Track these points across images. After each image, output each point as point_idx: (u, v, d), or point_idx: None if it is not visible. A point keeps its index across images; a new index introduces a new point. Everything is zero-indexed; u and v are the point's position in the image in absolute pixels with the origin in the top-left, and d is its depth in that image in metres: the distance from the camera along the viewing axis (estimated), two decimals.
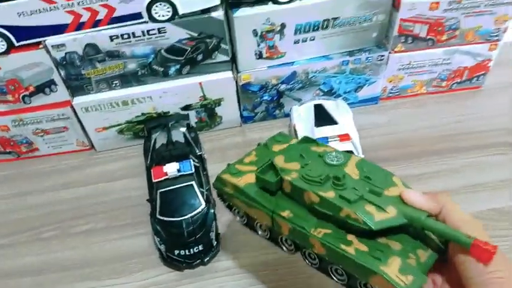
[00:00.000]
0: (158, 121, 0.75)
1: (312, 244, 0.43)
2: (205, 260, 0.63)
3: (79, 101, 0.72)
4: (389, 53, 0.74)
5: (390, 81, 0.79)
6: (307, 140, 0.51)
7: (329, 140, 0.66)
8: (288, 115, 0.78)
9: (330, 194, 0.42)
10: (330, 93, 0.78)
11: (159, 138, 0.73)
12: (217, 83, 0.73)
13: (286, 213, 0.45)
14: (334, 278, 0.44)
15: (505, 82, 0.83)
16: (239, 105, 0.77)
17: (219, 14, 0.66)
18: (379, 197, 0.41)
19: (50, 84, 0.71)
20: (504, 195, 0.66)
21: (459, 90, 0.82)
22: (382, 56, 0.73)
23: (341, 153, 0.47)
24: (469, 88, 0.81)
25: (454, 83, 0.80)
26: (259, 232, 0.51)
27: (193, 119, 0.77)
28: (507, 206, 0.64)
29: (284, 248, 0.49)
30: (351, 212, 0.40)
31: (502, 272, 0.35)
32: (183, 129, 0.73)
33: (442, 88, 0.81)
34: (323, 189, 0.42)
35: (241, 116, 0.79)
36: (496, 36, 0.72)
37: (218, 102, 0.76)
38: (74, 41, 0.66)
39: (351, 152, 0.64)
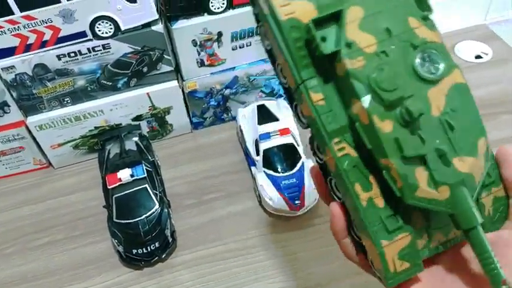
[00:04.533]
0: (111, 133, 0.78)
1: (326, 153, 0.33)
2: (163, 256, 0.66)
3: (33, 120, 0.75)
4: None
5: None
6: None
7: (271, 135, 0.71)
8: (235, 118, 0.83)
9: (387, 126, 0.30)
10: (272, 94, 0.83)
11: (113, 149, 0.76)
12: (164, 92, 0.77)
13: (316, 97, 0.32)
14: (332, 191, 0.36)
15: None
16: (188, 112, 0.82)
17: (158, 27, 0.71)
18: (444, 165, 0.30)
19: (2, 106, 0.74)
20: None
21: None
22: None
23: (443, 56, 0.31)
24: None
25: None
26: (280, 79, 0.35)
27: (145, 129, 0.81)
28: None
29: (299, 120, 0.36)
30: (395, 168, 0.30)
31: None
32: (136, 139, 0.77)
33: None
34: (382, 111, 0.30)
35: (191, 122, 0.84)
36: None
37: (167, 111, 0.80)
38: (22, 63, 0.69)
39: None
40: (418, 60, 0.30)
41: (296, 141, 0.71)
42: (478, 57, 0.93)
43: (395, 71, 0.30)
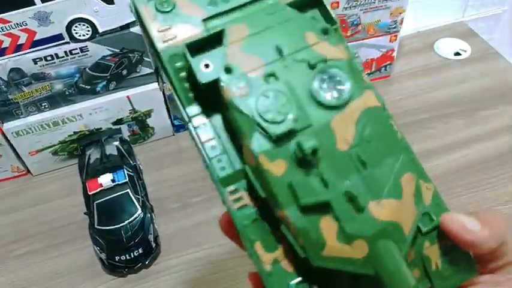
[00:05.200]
0: (91, 138, 0.77)
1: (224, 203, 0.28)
2: (146, 262, 0.65)
3: (9, 126, 0.73)
4: None
5: None
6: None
7: None
8: None
9: (278, 168, 0.24)
10: None
11: (93, 154, 0.75)
12: (145, 95, 0.76)
13: (204, 137, 0.27)
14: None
15: (410, 69, 0.92)
16: (169, 114, 0.81)
17: (137, 29, 0.69)
18: (357, 212, 0.24)
19: None
20: None
21: (371, 81, 0.89)
22: None
23: (349, 76, 0.25)
24: (379, 78, 0.89)
25: (365, 75, 0.87)
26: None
27: (126, 133, 0.80)
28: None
29: None
30: (292, 222, 0.24)
31: None
32: (116, 143, 0.76)
33: None
34: (271, 150, 0.24)
35: (173, 125, 0.83)
36: (394, 28, 0.80)
37: (148, 114, 0.79)
38: None
39: None
40: (316, 83, 0.25)
41: None
42: (457, 54, 0.94)
43: (286, 98, 0.24)
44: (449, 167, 0.73)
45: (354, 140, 0.25)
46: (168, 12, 0.27)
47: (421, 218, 0.27)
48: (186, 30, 0.26)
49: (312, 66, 0.25)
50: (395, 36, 0.81)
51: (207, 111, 0.27)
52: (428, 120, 0.81)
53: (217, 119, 0.27)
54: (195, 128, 0.27)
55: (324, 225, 0.24)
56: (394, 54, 0.84)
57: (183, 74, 0.27)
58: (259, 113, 0.24)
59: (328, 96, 0.25)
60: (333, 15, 0.27)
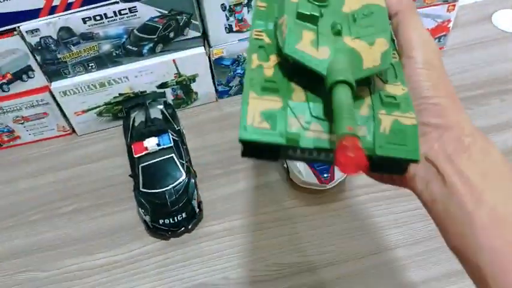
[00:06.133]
0: (136, 100, 0.77)
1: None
2: (189, 227, 0.66)
3: (57, 85, 0.74)
4: None
5: None
6: None
7: None
8: None
9: None
10: None
11: (138, 117, 0.75)
12: (191, 59, 0.75)
13: (261, 4, 0.36)
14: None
15: (465, 42, 0.87)
16: (213, 80, 0.80)
17: None
18: (334, 35, 0.30)
19: (27, 70, 0.72)
20: None
21: None
22: None
23: None
24: None
25: None
26: None
27: (169, 97, 0.79)
28: None
29: None
30: (286, 23, 0.30)
31: (440, 99, 0.31)
32: (161, 107, 0.76)
33: None
34: None
35: (217, 90, 0.81)
36: None
37: (193, 79, 0.78)
38: (47, 25, 0.67)
39: None
40: None
41: None
42: None
43: None
44: (506, 146, 0.70)
45: (356, 11, 0.32)
46: None
47: (385, 94, 0.31)
48: None
49: None
50: (454, 5, 0.77)
51: None
52: (483, 96, 0.78)
53: None
54: None
55: (306, 33, 0.30)
56: (450, 25, 0.80)
57: None
58: None
59: None
60: None
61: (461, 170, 0.29)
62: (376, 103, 0.30)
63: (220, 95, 0.82)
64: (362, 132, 0.29)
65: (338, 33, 0.30)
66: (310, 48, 0.29)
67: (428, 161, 0.31)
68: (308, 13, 0.30)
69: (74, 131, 0.81)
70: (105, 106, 0.78)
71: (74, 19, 0.67)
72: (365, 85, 0.31)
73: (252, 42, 0.33)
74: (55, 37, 0.68)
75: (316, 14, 0.30)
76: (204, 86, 0.80)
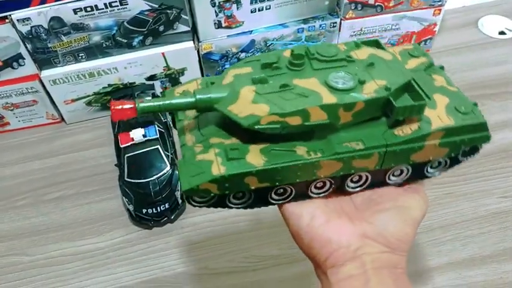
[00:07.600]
0: (124, 92, 0.78)
1: None
2: (172, 217, 0.67)
3: (47, 74, 0.75)
4: (341, 20, 0.78)
5: None
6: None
7: None
8: None
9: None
10: None
11: None
12: (180, 52, 0.76)
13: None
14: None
15: (450, 45, 0.89)
16: (202, 74, 0.81)
17: None
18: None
19: (17, 58, 0.73)
20: None
21: None
22: (335, 23, 0.78)
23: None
24: None
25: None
26: None
27: (158, 89, 0.81)
28: None
29: None
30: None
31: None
32: (149, 99, 0.77)
33: None
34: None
35: None
36: (439, 1, 0.77)
37: (181, 72, 0.79)
38: (39, 15, 0.68)
39: None
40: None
41: None
42: (501, 33, 0.90)
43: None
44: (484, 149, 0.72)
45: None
46: None
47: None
48: None
49: None
50: (439, 10, 0.78)
51: None
52: None
53: None
54: None
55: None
56: (436, 28, 0.82)
57: None
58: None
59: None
60: None
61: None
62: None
63: None
64: None
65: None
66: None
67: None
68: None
69: (62, 119, 0.82)
70: (94, 96, 0.79)
71: (65, 9, 0.68)
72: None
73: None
74: (46, 26, 0.69)
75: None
76: None
